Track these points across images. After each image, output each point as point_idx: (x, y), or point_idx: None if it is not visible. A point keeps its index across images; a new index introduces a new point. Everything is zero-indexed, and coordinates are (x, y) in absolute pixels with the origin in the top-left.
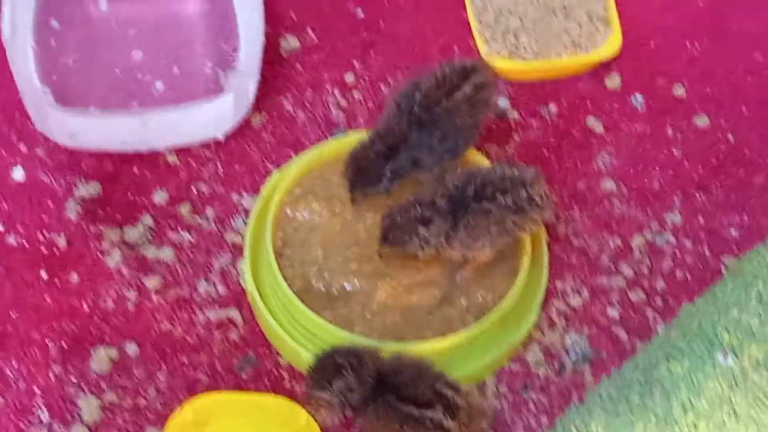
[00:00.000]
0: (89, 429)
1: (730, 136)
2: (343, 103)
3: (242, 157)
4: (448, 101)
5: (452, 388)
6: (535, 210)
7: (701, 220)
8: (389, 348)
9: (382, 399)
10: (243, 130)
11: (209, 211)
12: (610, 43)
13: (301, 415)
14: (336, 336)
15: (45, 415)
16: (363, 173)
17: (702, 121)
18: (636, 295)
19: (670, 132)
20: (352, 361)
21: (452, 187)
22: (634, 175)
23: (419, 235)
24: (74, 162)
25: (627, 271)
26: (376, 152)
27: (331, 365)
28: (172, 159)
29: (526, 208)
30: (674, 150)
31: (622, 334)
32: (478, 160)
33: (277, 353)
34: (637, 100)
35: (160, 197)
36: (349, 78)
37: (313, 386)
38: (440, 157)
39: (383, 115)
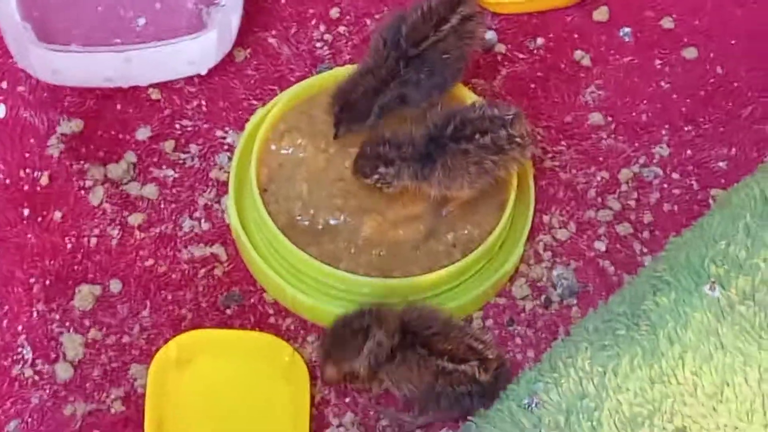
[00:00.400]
0: (73, 366)
1: (718, 69)
2: (328, 38)
3: (226, 92)
4: (436, 34)
5: (481, 341)
6: (516, 149)
7: (689, 153)
8: (375, 283)
9: (413, 353)
10: (226, 65)
11: (193, 148)
12: None
13: (286, 350)
14: (321, 271)
15: (28, 353)
16: (350, 109)
17: (690, 53)
18: (623, 228)
19: (658, 65)
20: (372, 322)
21: (432, 126)
22: (622, 108)
23: (378, 173)
24: (56, 99)
25: (614, 204)
26: (364, 88)
27: (349, 332)
28: (155, 95)
29: (506, 148)
30: (662, 83)
31: (609, 268)
32: (464, 94)
33: (262, 290)
34: (625, 32)
35: (143, 134)
36: (334, 13)
37: (337, 356)
38: (428, 92)
39: (369, 49)
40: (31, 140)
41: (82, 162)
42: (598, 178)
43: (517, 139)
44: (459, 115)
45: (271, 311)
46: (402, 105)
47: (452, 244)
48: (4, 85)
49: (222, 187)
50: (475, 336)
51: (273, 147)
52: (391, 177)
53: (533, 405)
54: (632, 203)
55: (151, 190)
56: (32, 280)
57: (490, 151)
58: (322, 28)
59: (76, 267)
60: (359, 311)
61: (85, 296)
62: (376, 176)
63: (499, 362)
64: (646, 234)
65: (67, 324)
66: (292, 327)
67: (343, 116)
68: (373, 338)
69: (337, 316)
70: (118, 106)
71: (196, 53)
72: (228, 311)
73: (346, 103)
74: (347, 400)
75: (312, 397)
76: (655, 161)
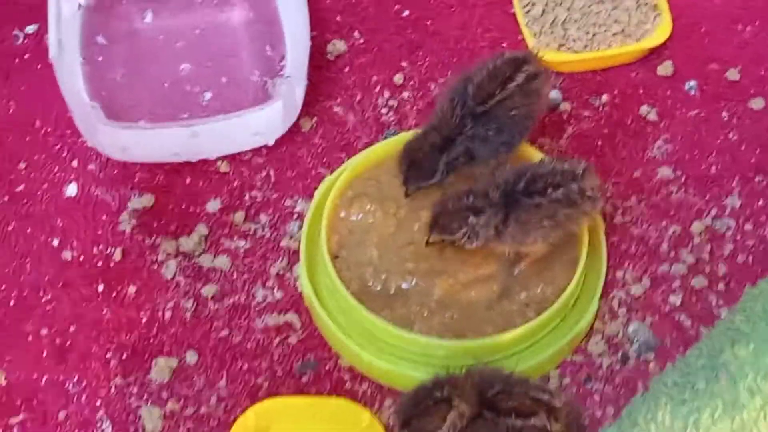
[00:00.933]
0: None
1: None
2: (393, 103)
3: (293, 162)
4: (502, 92)
5: (546, 391)
6: (587, 203)
7: (761, 203)
8: (449, 345)
9: (481, 418)
10: (293, 135)
11: (263, 218)
12: (660, 30)
13: (364, 415)
14: (395, 335)
15: (108, 427)
16: (417, 166)
17: (757, 104)
18: (698, 281)
19: (725, 116)
20: (451, 392)
21: (503, 182)
22: (691, 162)
23: (468, 224)
24: (127, 175)
25: (687, 257)
26: (431, 144)
27: (432, 402)
28: (223, 167)
29: (578, 201)
30: (730, 134)
31: (686, 321)
32: (531, 153)
33: (337, 356)
34: (691, 86)
35: (213, 206)
36: (398, 78)
37: (417, 426)
38: (495, 149)
39: (436, 110)
40: (104, 217)
41: (154, 236)
42: (670, 232)
43: (588, 193)
44: (530, 170)
45: (346, 377)
46: (469, 162)
47: (525, 303)
48: (75, 163)
49: (293, 255)
50: (539, 387)
51: (342, 214)
52: (480, 227)
53: None
54: (706, 256)
55: (223, 262)
56: (109, 355)
57: (563, 204)
58: (387, 94)
59: (151, 340)
60: (436, 380)
61: (161, 369)
62: (464, 229)
63: (569, 409)
64: (721, 286)
65: (145, 397)
66: (369, 392)
67: (411, 174)
68: (456, 409)
69: (416, 385)
70: (188, 180)
71: (262, 124)
72: (304, 378)
73: (413, 161)
74: None
75: None
76: (726, 213)
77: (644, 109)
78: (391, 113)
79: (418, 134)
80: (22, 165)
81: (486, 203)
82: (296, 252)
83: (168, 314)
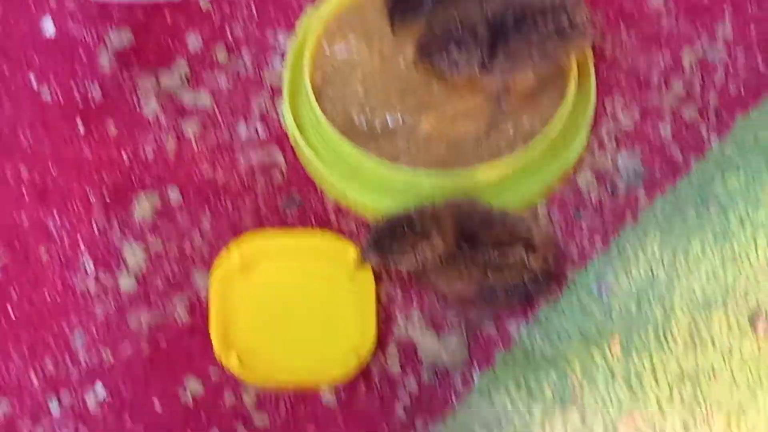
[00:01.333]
0: (135, 277)
1: None
2: None
3: None
4: None
5: (525, 226)
6: (577, 34)
7: (753, 31)
8: (438, 178)
9: (459, 249)
10: None
11: (245, 53)
12: None
13: (350, 249)
14: (381, 169)
15: (90, 266)
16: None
17: None
18: (688, 112)
19: None
20: (430, 225)
21: (490, 14)
22: None
23: (450, 55)
24: (105, 13)
25: (678, 87)
26: None
27: (406, 229)
28: (203, 3)
29: (567, 33)
30: None
31: (676, 152)
32: None
33: (322, 192)
34: None
35: (193, 42)
36: None
37: (384, 247)
38: None
39: None
40: (82, 54)
41: (133, 73)
42: (661, 62)
43: (578, 24)
44: (518, 1)
45: (332, 213)
46: None
47: (513, 136)
48: (52, 2)
49: (277, 91)
50: (518, 221)
51: (326, 48)
52: (462, 59)
53: (603, 292)
54: (697, 85)
55: (204, 98)
56: (90, 194)
57: (552, 36)
58: None
59: (133, 178)
60: (421, 211)
61: (143, 207)
62: (445, 57)
63: (547, 242)
64: (712, 116)
65: (128, 235)
66: (354, 228)
67: (397, 6)
68: (431, 241)
69: (383, 221)
70: (167, 16)
71: None
72: (289, 215)
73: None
74: (413, 296)
75: (377, 295)
76: (718, 41)
77: None
78: None
79: None
80: None
81: (471, 38)
82: (280, 88)
83: (150, 152)
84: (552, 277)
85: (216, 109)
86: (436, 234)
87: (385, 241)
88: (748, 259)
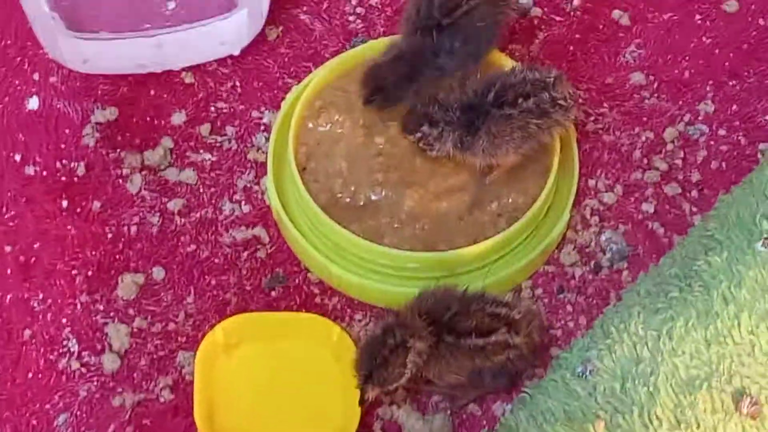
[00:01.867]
0: (119, 356)
1: (760, 21)
2: (361, 11)
3: (260, 72)
4: (468, 3)
5: (503, 304)
6: (560, 112)
7: (735, 108)
8: (420, 257)
9: (443, 343)
10: (259, 45)
11: (229, 129)
12: None
13: (334, 329)
14: (365, 248)
15: (74, 345)
16: (383, 93)
17: (731, 6)
18: (671, 189)
19: (698, 20)
20: (404, 334)
21: (471, 93)
22: (664, 66)
23: (421, 132)
24: (89, 88)
25: (660, 164)
26: (398, 76)
27: (388, 351)
28: (188, 78)
29: (549, 111)
30: (704, 38)
31: (659, 229)
32: (502, 61)
33: (306, 270)
34: None
35: (178, 118)
36: None
37: (381, 378)
38: (463, 61)
39: (402, 21)
40: (66, 131)
41: (118, 150)
42: (643, 139)
43: (561, 101)
44: (499, 80)
45: (316, 291)
46: (437, 75)
47: (497, 213)
48: (36, 76)
49: (261, 168)
50: (496, 301)
51: (310, 125)
52: (434, 139)
53: (587, 373)
54: (679, 162)
55: (189, 175)
56: (74, 272)
57: (534, 114)
58: (354, 1)
59: (117, 256)
60: (385, 326)
61: (128, 285)
62: (418, 134)
63: (529, 317)
64: (694, 193)
65: (112, 314)
66: (339, 306)
67: (376, 98)
68: (413, 350)
69: (366, 337)
70: (152, 92)
71: (227, 34)
72: (273, 293)
73: (378, 87)
74: None
75: None
76: (700, 118)
77: (616, 13)
78: (358, 21)
79: (385, 59)
80: None
81: (443, 118)
82: (263, 164)
83: (134, 229)
84: (538, 349)
85: (200, 186)
86: (413, 340)
87: (374, 372)
88: (732, 338)
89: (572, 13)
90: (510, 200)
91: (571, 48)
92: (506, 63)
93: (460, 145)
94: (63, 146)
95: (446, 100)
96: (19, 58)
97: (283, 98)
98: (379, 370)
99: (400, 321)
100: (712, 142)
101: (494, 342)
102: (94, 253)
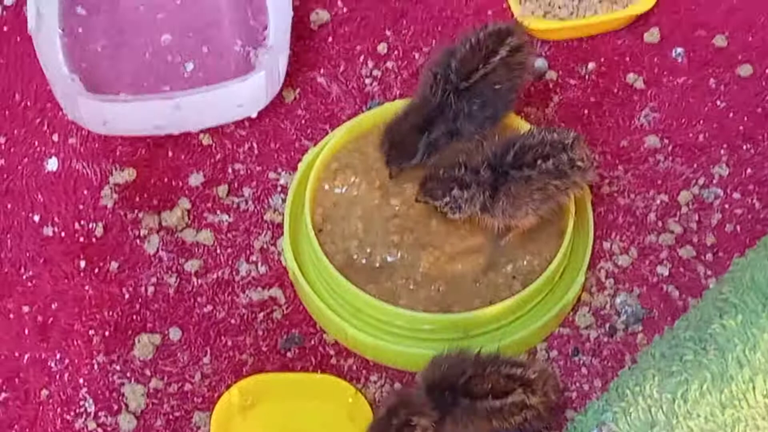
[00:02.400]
0: (135, 417)
1: None
2: (377, 73)
3: (277, 134)
4: (485, 67)
5: (518, 365)
6: (578, 173)
7: (749, 171)
8: (436, 318)
9: (460, 407)
10: (276, 107)
11: (246, 191)
12: None
13: (349, 391)
14: (380, 309)
15: (91, 405)
16: (397, 146)
17: (745, 70)
18: (686, 252)
19: (713, 83)
20: (405, 413)
21: (491, 155)
22: (678, 130)
23: (452, 196)
24: (108, 149)
25: (675, 227)
26: (411, 125)
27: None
28: (206, 140)
29: (568, 172)
30: (718, 102)
31: (674, 292)
32: (518, 124)
33: (322, 331)
34: (678, 53)
35: (196, 180)
36: (382, 48)
37: None
38: (480, 124)
39: (419, 85)
40: (85, 192)
41: (136, 211)
42: (658, 202)
43: (579, 163)
44: (518, 142)
45: (332, 352)
46: (453, 139)
47: (512, 275)
48: (56, 137)
49: (277, 229)
50: (511, 362)
51: (326, 186)
52: (464, 202)
53: None
54: (694, 225)
55: (206, 236)
56: (91, 332)
57: (553, 175)
58: (371, 64)
59: (134, 317)
60: (389, 407)
61: (144, 345)
62: (447, 199)
63: (544, 377)
64: (709, 256)
65: (128, 374)
66: (354, 367)
67: (392, 154)
68: (418, 428)
69: (372, 421)
70: (170, 153)
71: (245, 96)
72: (289, 354)
73: (394, 142)
74: None
75: None
76: (714, 182)
77: (631, 77)
78: (375, 83)
79: (399, 114)
80: (2, 139)
81: (474, 179)
82: (280, 225)
83: (151, 290)
84: (554, 409)
85: (217, 246)
86: (417, 418)
87: None
88: (747, 402)
89: (587, 77)
90: (525, 262)
91: (586, 111)
92: (522, 126)
93: (489, 206)
94: (81, 207)
95: (472, 162)
96: (38, 120)
97: (299, 160)
98: None
99: (403, 400)
100: (726, 206)
101: (511, 403)
102: (111, 313)
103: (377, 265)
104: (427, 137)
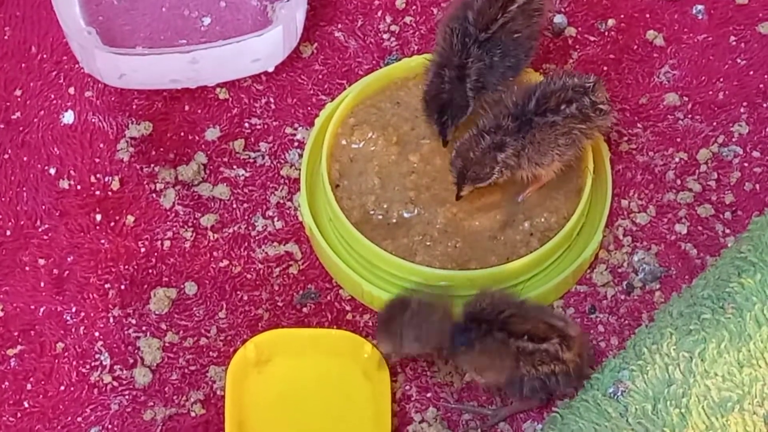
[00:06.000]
0: (151, 370)
1: None
2: (395, 29)
3: (294, 89)
4: (504, 16)
5: (560, 319)
6: (600, 116)
7: None
8: (452, 275)
9: (492, 339)
10: (293, 61)
11: (263, 146)
12: None
13: (365, 346)
14: (397, 266)
15: (106, 359)
16: (447, 107)
17: (766, 27)
18: (704, 210)
19: (733, 41)
20: (422, 311)
21: (512, 105)
22: (698, 87)
23: (499, 162)
24: (124, 103)
25: (694, 185)
26: (449, 79)
27: (399, 318)
28: (222, 95)
29: (591, 115)
30: (738, 59)
31: (692, 251)
32: (537, 79)
33: (338, 286)
34: (698, 10)
35: (212, 134)
36: (400, 3)
37: (384, 340)
38: (502, 74)
39: (437, 41)
40: (101, 145)
41: (152, 165)
42: (677, 160)
43: (601, 106)
44: (538, 89)
45: (348, 308)
46: (480, 91)
47: (530, 232)
48: (72, 91)
49: (294, 184)
50: (554, 314)
51: (343, 142)
52: (509, 157)
53: (619, 393)
54: (712, 184)
55: (222, 191)
56: (107, 286)
57: (577, 119)
58: (389, 19)
59: (150, 271)
60: (407, 298)
61: (160, 300)
62: (497, 168)
63: (582, 340)
64: (728, 214)
65: (144, 328)
66: (370, 323)
67: (445, 118)
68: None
69: (400, 294)
70: (186, 107)
71: (262, 50)
72: (304, 309)
73: (444, 105)
74: (429, 395)
75: (393, 393)
76: (734, 140)
77: (651, 33)
78: (392, 39)
79: (431, 78)
80: (18, 92)
81: (503, 135)
82: (296, 181)
83: (167, 244)
84: (582, 375)
85: (233, 201)
86: (423, 321)
87: (381, 330)
88: (765, 360)
89: (606, 33)
90: (543, 219)
91: (605, 68)
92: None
93: (516, 157)
94: (97, 160)
95: (486, 123)
96: (54, 73)
97: (316, 115)
98: (381, 328)
99: (420, 301)
100: (745, 164)
101: (544, 350)
102: (126, 267)
103: (394, 220)
104: (468, 83)
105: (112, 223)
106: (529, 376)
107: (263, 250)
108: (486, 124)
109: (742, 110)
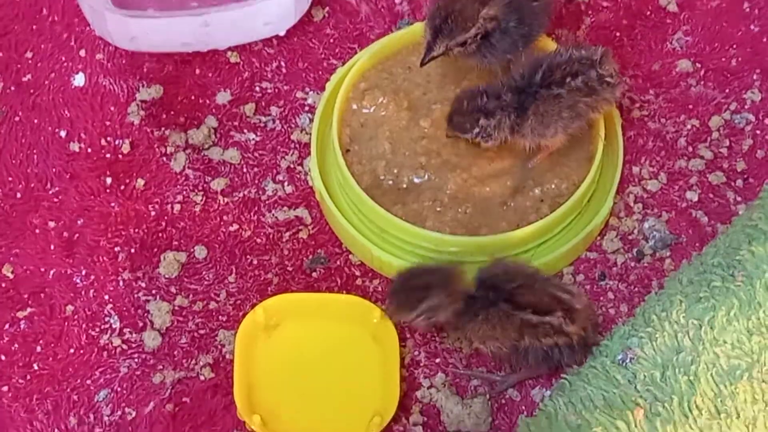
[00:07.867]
0: (160, 334)
1: None
2: None
3: (305, 53)
4: None
5: (567, 292)
6: (607, 89)
7: None
8: (462, 241)
9: (496, 309)
10: (305, 25)
11: (274, 110)
12: None
13: (375, 311)
14: (407, 231)
15: (116, 322)
16: (452, 16)
17: None
18: (715, 177)
19: (746, 7)
20: (436, 280)
21: (518, 76)
22: (711, 54)
23: (480, 126)
24: (135, 65)
25: (705, 152)
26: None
27: (414, 286)
28: (233, 58)
29: (597, 89)
30: (752, 26)
31: (702, 218)
32: (548, 46)
33: (348, 251)
34: None
35: (223, 98)
36: None
37: (396, 309)
38: (515, 43)
39: None
40: (111, 108)
41: (162, 128)
42: (688, 127)
43: (608, 79)
44: (546, 61)
45: (357, 273)
46: (490, 49)
47: (540, 198)
48: (83, 53)
49: (304, 148)
50: (561, 287)
51: (354, 106)
52: (492, 129)
53: (628, 360)
54: (724, 151)
55: (233, 155)
56: (117, 249)
57: (582, 93)
58: None
59: (160, 234)
60: (431, 267)
61: (170, 263)
62: (476, 130)
63: (588, 312)
64: (739, 182)
65: (154, 292)
66: (380, 288)
67: (442, 27)
68: (431, 299)
69: (414, 265)
70: (197, 71)
71: (273, 14)
72: (314, 274)
73: (450, 12)
74: (437, 360)
75: (402, 359)
76: (746, 107)
77: None
78: (404, 3)
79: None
80: (29, 54)
81: (498, 105)
82: (307, 145)
83: (177, 208)
84: (587, 347)
85: (243, 165)
86: (439, 293)
87: (396, 297)
88: None
89: None
90: (553, 186)
91: (618, 34)
92: (552, 48)
93: (517, 128)
94: (108, 123)
95: (493, 88)
96: (65, 35)
97: (327, 79)
98: (397, 296)
99: (443, 271)
100: (758, 131)
101: (548, 323)
102: (137, 230)
103: (404, 186)
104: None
105: (123, 187)
106: (532, 348)
107: (273, 215)
108: (492, 87)
109: (754, 77)
